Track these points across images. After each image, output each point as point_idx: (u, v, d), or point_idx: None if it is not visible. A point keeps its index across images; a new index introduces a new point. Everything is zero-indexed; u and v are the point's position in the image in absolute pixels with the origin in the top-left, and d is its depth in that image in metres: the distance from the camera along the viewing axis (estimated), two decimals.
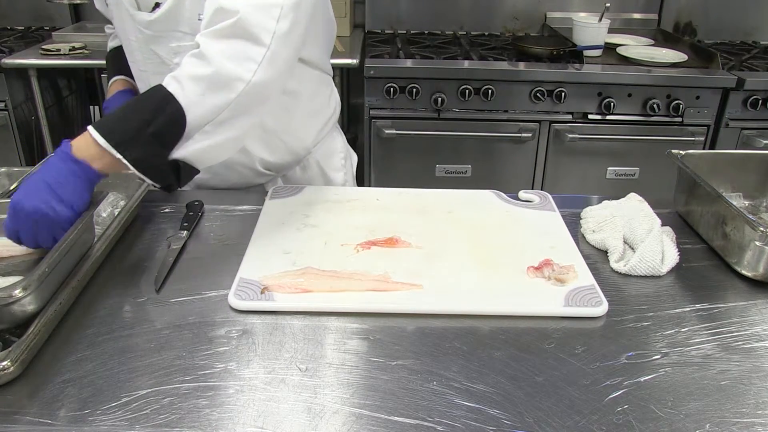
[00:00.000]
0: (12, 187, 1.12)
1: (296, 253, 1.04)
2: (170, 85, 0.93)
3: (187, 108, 0.92)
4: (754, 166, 1.26)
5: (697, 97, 2.35)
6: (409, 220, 1.14)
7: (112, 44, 1.41)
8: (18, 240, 0.90)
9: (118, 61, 1.33)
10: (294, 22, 0.97)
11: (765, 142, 2.37)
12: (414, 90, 2.30)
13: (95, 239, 1.00)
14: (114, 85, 1.33)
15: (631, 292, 0.99)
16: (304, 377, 0.79)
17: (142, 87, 1.25)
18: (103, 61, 2.31)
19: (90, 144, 0.90)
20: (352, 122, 3.04)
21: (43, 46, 2.36)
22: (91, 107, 2.97)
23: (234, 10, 0.93)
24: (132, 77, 1.29)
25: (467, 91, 2.30)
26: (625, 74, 2.33)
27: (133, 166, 0.91)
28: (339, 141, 1.46)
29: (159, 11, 1.11)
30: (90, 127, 0.90)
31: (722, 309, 0.96)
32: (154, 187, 0.98)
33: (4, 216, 0.92)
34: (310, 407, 0.75)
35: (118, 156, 0.89)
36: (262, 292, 0.93)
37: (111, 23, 1.31)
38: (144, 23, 1.15)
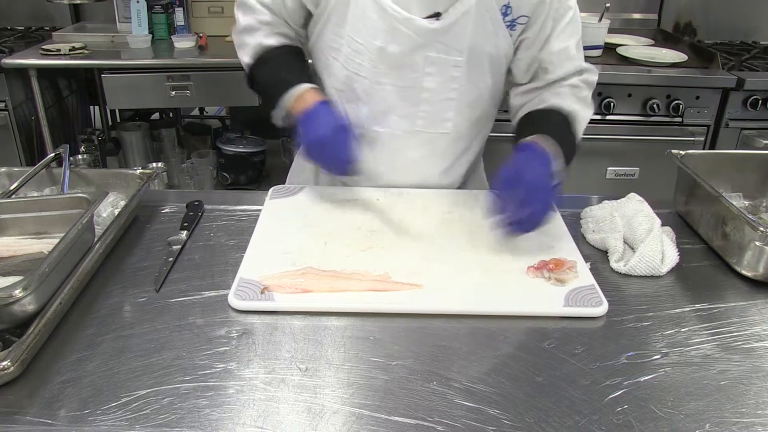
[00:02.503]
0: (13, 187, 1.13)
1: (296, 253, 1.04)
2: (574, 122, 1.21)
3: (577, 145, 1.22)
4: (754, 166, 1.26)
5: (697, 97, 2.35)
6: (410, 220, 1.14)
7: (268, 42, 1.24)
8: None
9: (293, 66, 1.23)
10: None
11: (765, 142, 2.37)
12: None
13: (95, 239, 1.00)
14: (309, 95, 1.15)
15: (631, 292, 0.99)
16: (304, 377, 0.79)
17: (359, 91, 1.22)
18: (103, 61, 2.36)
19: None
20: None
21: (43, 46, 2.35)
22: (91, 107, 2.97)
23: (592, 68, 1.27)
24: (310, 81, 1.19)
25: None
26: (625, 74, 2.33)
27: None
28: None
29: (440, 24, 1.13)
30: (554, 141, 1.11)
31: (722, 309, 0.96)
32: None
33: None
34: (310, 407, 0.75)
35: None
36: (262, 292, 0.93)
37: (266, 15, 1.23)
38: (418, 30, 1.13)
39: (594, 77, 1.27)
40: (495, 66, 1.22)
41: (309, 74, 1.24)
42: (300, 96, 1.16)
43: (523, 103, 1.27)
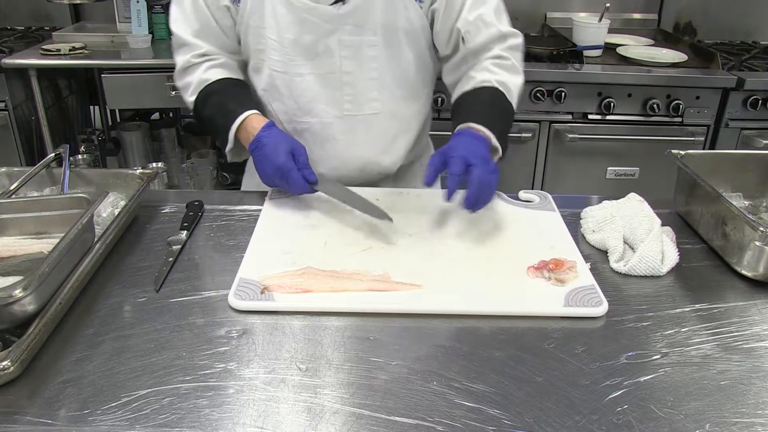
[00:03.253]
0: (13, 187, 1.13)
1: (296, 253, 1.04)
2: (507, 94, 1.22)
3: (514, 110, 1.25)
4: (754, 166, 1.26)
5: (697, 97, 2.35)
6: (409, 220, 1.14)
7: (208, 76, 1.26)
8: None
9: (234, 95, 1.25)
10: None
11: (765, 142, 2.37)
12: None
13: (95, 239, 1.00)
14: (251, 121, 1.19)
15: (631, 292, 0.99)
16: (304, 377, 0.79)
17: (281, 87, 1.26)
18: (103, 61, 2.35)
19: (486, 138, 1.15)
20: None
21: (43, 46, 2.35)
22: (91, 107, 2.96)
23: (514, 32, 1.27)
24: (256, 107, 1.22)
25: None
26: (625, 74, 2.33)
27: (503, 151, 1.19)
28: None
29: (346, 8, 1.18)
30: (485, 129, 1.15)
31: (722, 309, 0.96)
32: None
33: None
34: (310, 407, 0.75)
35: (497, 145, 1.17)
36: (262, 292, 0.93)
37: (201, 49, 1.26)
38: (325, 17, 1.17)
39: (518, 40, 1.27)
40: (413, 40, 1.25)
41: (252, 100, 1.26)
42: (242, 126, 1.19)
43: (454, 81, 1.30)
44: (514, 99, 1.23)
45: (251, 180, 1.42)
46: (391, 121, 1.31)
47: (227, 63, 1.29)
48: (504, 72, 1.23)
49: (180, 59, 1.28)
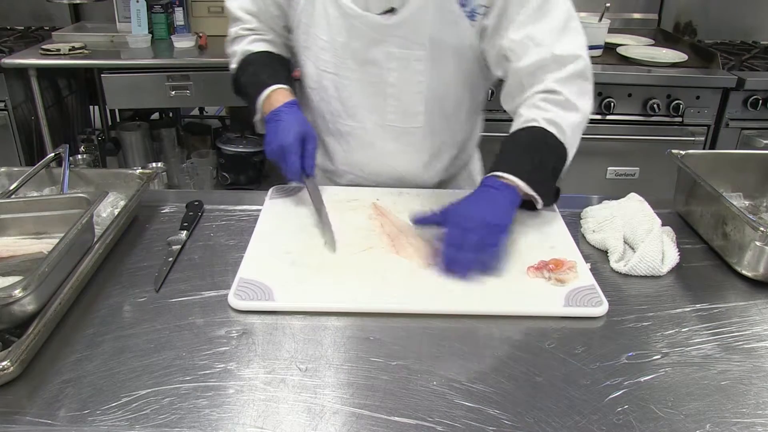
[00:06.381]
0: (13, 187, 1.12)
1: (296, 253, 1.04)
2: (557, 132, 1.10)
3: (568, 151, 1.12)
4: (754, 166, 1.26)
5: (697, 97, 2.35)
6: (409, 220, 1.14)
7: (252, 48, 1.29)
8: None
9: (270, 68, 1.26)
10: None
11: (765, 142, 2.37)
12: None
13: (95, 239, 1.00)
14: (277, 95, 1.20)
15: (631, 292, 0.99)
16: (304, 377, 0.79)
17: (329, 88, 1.25)
18: (103, 61, 2.36)
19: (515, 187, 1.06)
20: None
21: (43, 46, 2.35)
22: (91, 107, 2.97)
23: (575, 54, 1.13)
24: (288, 84, 1.23)
25: None
26: (625, 74, 2.34)
27: (540, 197, 1.09)
28: None
29: (396, 17, 1.14)
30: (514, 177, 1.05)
31: (722, 309, 0.96)
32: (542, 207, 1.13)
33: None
34: (310, 407, 0.75)
35: (533, 193, 1.07)
36: (262, 292, 0.93)
37: (246, 22, 1.29)
38: (374, 26, 1.16)
39: (578, 66, 1.13)
40: (460, 57, 1.20)
41: (288, 77, 1.27)
42: (268, 97, 1.21)
43: (512, 111, 1.20)
44: (566, 138, 1.11)
45: None
46: (434, 137, 1.29)
47: (274, 40, 1.32)
48: (555, 108, 1.11)
49: (231, 30, 1.33)
